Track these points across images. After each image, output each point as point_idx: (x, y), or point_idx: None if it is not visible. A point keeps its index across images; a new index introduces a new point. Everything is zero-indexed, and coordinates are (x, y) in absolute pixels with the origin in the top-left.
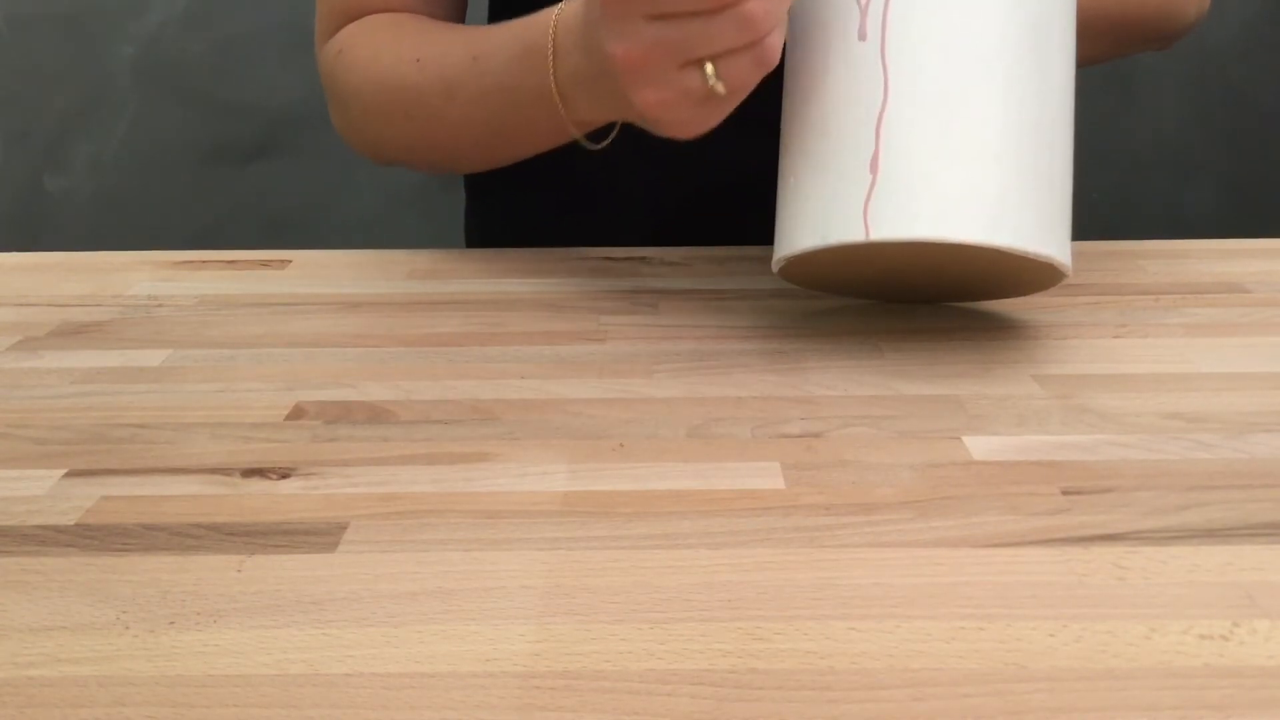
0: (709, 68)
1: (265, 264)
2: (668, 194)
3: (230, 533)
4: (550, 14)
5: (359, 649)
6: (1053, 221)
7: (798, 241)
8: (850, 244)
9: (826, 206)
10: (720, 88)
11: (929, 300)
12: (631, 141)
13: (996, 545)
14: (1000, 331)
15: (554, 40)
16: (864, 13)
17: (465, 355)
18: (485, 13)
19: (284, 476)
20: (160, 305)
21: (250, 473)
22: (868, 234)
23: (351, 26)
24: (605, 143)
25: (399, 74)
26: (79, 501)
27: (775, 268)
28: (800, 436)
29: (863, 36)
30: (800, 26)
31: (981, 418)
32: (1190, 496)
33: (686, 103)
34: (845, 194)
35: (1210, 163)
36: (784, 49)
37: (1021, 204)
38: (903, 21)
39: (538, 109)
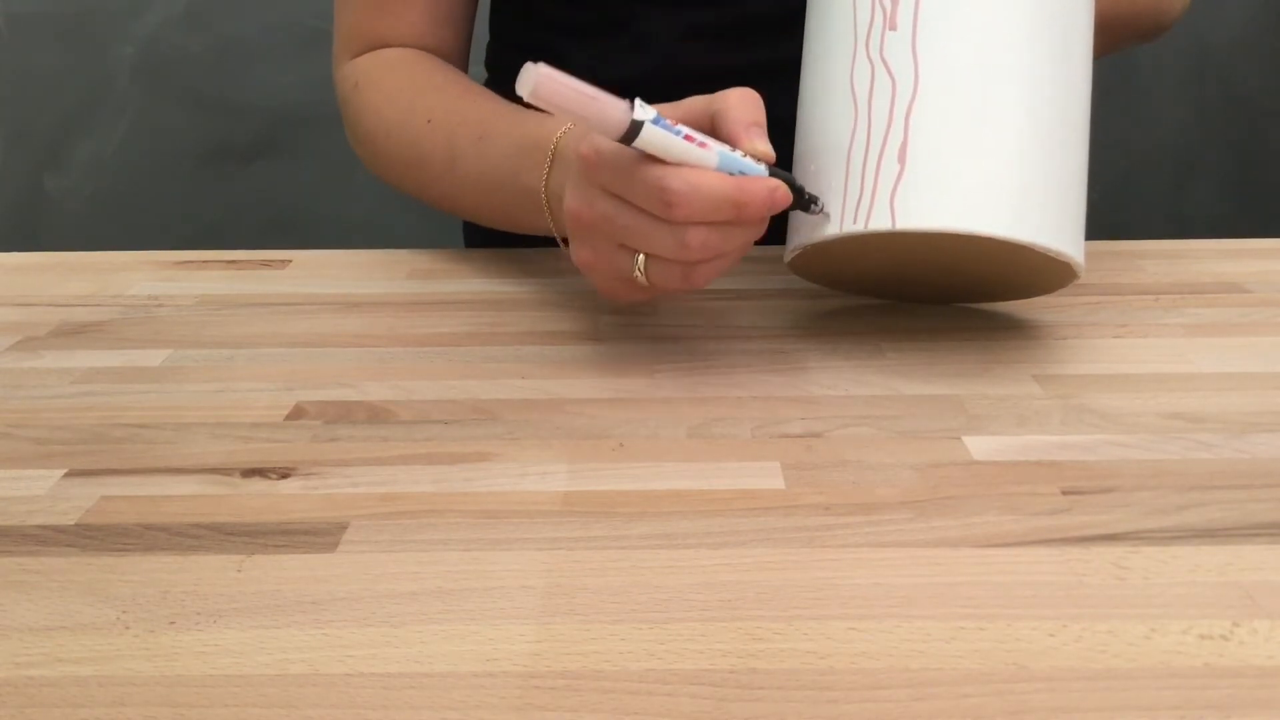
0: (640, 258)
1: (265, 264)
2: None
3: (230, 533)
4: (559, 122)
5: (359, 649)
6: (1071, 221)
7: (818, 230)
8: (877, 233)
9: (851, 195)
10: (643, 280)
11: (933, 300)
12: None
13: (996, 545)
14: (1000, 331)
15: (554, 149)
16: (896, 3)
17: (465, 355)
18: (485, 13)
19: (284, 476)
20: (160, 305)
21: (250, 473)
22: (894, 223)
23: (369, 61)
24: None
25: (410, 130)
26: (79, 501)
27: (789, 257)
28: (800, 436)
29: (893, 27)
30: (823, 15)
31: (981, 418)
32: (1190, 496)
33: (613, 276)
34: (872, 183)
35: (1210, 163)
36: (803, 39)
37: (1044, 201)
38: (935, 14)
39: (527, 206)
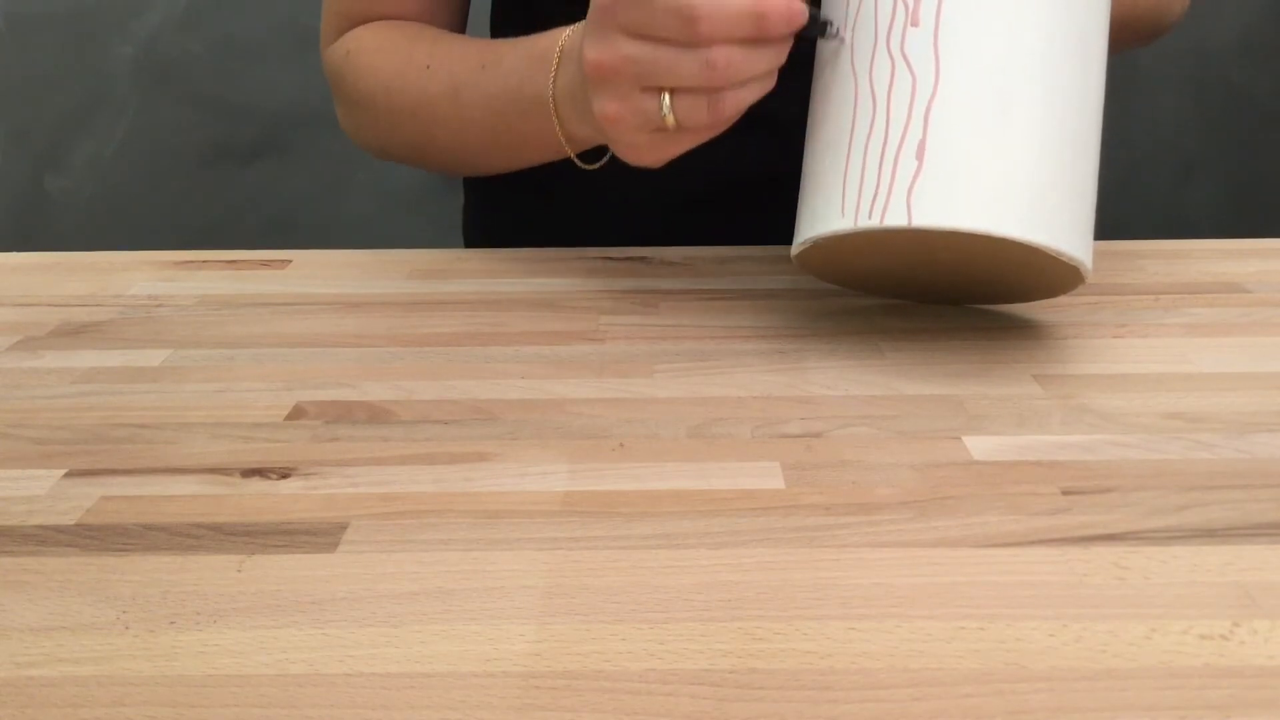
0: (666, 98)
1: (265, 264)
2: (668, 194)
3: (230, 533)
4: (563, 29)
5: (359, 649)
6: (1083, 224)
7: (831, 223)
8: (892, 229)
9: (867, 190)
10: (671, 120)
11: (935, 299)
12: None
13: (996, 545)
14: (1000, 331)
15: (560, 51)
16: None
17: (465, 355)
18: (486, 18)
19: (284, 476)
20: (160, 305)
21: (250, 473)
22: (910, 220)
23: (360, 30)
24: (599, 164)
25: (408, 77)
26: (79, 501)
27: (796, 250)
28: (800, 436)
29: (915, 23)
30: (841, 8)
31: (981, 418)
32: (1190, 496)
33: (639, 125)
34: (889, 179)
35: (1210, 163)
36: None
37: (1060, 204)
38: (959, 11)
39: (535, 117)
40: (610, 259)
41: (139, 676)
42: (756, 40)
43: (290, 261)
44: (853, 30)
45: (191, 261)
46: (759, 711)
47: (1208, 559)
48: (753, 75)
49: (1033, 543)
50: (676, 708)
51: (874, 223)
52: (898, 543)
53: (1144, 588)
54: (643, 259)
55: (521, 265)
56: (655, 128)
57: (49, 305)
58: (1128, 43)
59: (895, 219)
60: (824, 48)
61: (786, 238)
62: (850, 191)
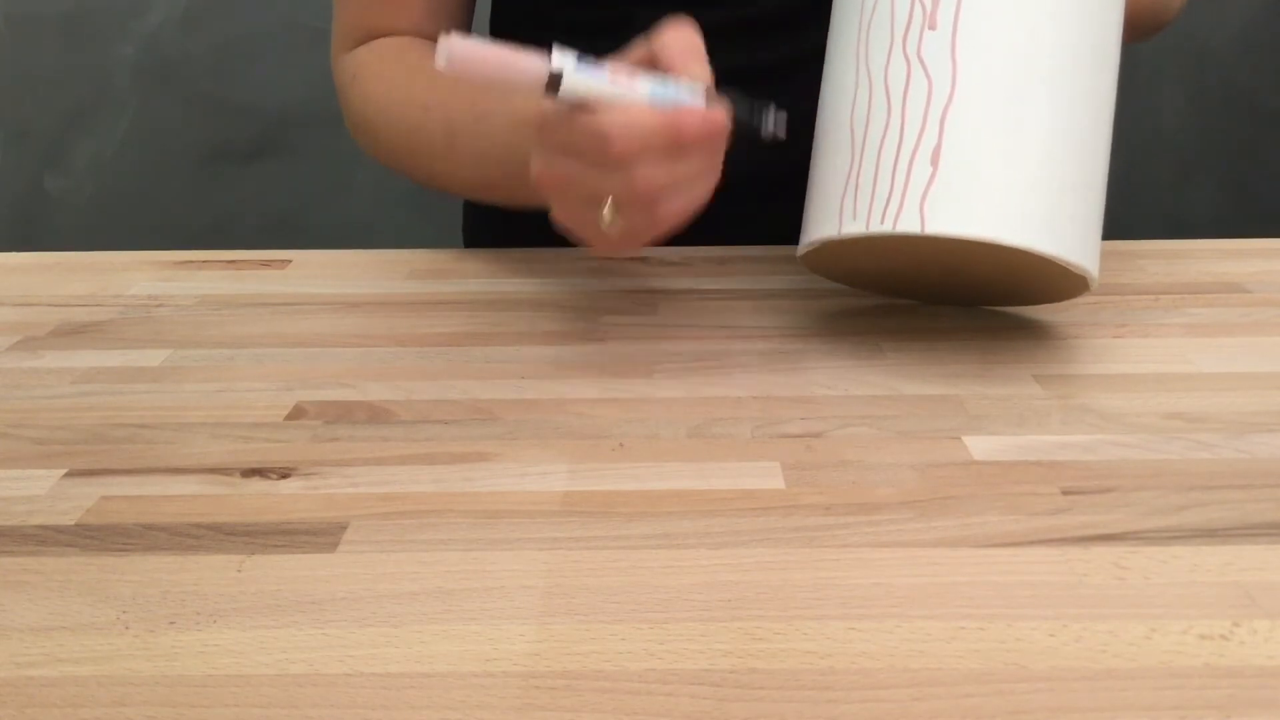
0: (607, 209)
1: (265, 264)
2: None
3: (230, 533)
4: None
5: (359, 649)
6: (1094, 234)
7: (842, 226)
8: (903, 234)
9: (880, 194)
10: (615, 230)
11: (937, 300)
12: None
13: (996, 545)
14: (1000, 331)
15: None
16: (936, 2)
17: (465, 355)
18: (486, 19)
19: (284, 476)
20: (160, 305)
21: (250, 473)
22: (924, 227)
23: (366, 52)
24: None
25: (408, 117)
26: (79, 501)
27: (802, 251)
28: (800, 436)
29: (933, 26)
30: (856, 9)
31: (981, 418)
32: (1190, 496)
33: (589, 229)
34: (903, 183)
35: (1210, 163)
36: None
37: (1073, 214)
38: (977, 15)
39: (527, 179)
40: (610, 259)
41: (139, 676)
42: (677, 151)
43: (290, 261)
44: (868, 30)
45: (191, 261)
46: (759, 711)
47: (1208, 559)
48: (683, 181)
49: (1033, 543)
50: (676, 708)
51: (886, 228)
52: (898, 543)
53: (1144, 588)
54: (642, 259)
55: (521, 265)
56: (605, 230)
57: (49, 305)
58: (1127, 39)
59: (909, 225)
60: (836, 44)
61: (786, 237)
62: (863, 195)
